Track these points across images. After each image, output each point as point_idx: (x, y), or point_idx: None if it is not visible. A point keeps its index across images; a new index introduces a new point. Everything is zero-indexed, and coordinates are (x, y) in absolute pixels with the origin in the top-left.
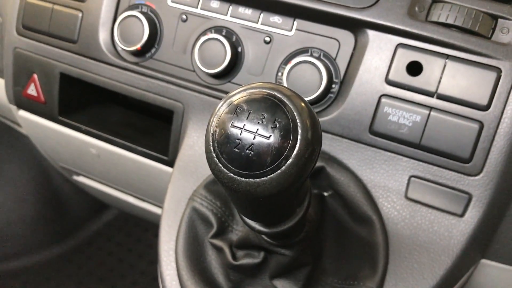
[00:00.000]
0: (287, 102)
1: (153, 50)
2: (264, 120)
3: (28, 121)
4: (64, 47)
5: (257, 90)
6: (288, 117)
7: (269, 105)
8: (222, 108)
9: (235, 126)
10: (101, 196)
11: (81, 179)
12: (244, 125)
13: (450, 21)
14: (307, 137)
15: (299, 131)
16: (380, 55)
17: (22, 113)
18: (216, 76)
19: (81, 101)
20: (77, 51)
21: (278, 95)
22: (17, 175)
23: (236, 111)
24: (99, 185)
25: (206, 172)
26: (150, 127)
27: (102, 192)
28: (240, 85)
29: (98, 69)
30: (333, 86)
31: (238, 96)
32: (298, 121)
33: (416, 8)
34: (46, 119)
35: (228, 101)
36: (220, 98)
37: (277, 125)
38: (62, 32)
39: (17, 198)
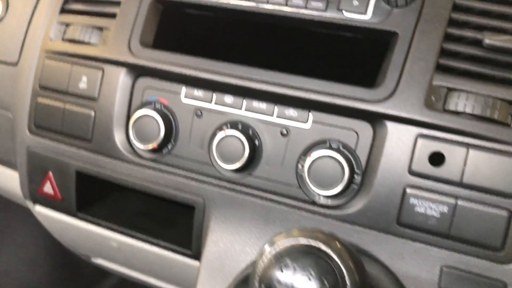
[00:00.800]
0: (334, 257)
1: (169, 146)
2: (311, 277)
3: (45, 215)
4: (78, 145)
5: (300, 240)
6: (336, 275)
7: (315, 261)
8: (265, 261)
9: (281, 284)
10: (119, 274)
11: (99, 261)
12: (292, 285)
13: (468, 110)
14: None
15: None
16: (400, 146)
17: (39, 208)
18: (236, 170)
19: (98, 194)
20: (92, 150)
21: (324, 248)
22: (29, 239)
23: (281, 266)
24: (118, 266)
25: (233, 270)
26: (170, 216)
27: (121, 272)
28: (261, 178)
29: (115, 167)
30: (355, 177)
31: (281, 245)
32: (347, 279)
33: (433, 98)
34: (64, 213)
35: (271, 254)
36: (241, 192)
37: (326, 283)
38: (75, 131)
39: (29, 262)
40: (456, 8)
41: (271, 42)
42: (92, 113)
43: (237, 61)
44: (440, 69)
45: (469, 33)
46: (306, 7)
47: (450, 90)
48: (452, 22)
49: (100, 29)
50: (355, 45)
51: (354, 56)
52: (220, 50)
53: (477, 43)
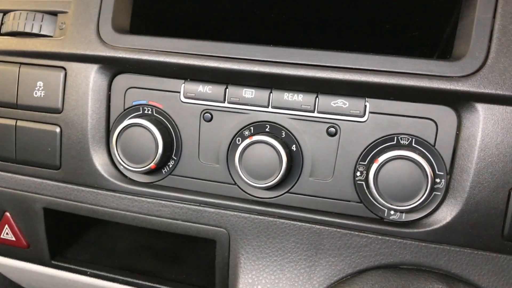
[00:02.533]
0: None
1: (171, 164)
2: None
3: (10, 268)
4: (43, 174)
5: None
6: None
7: None
8: None
9: None
10: None
11: None
12: None
13: None
14: None
15: None
16: (499, 134)
17: (1, 259)
18: (269, 188)
19: (77, 231)
20: (63, 179)
21: None
22: None
23: None
24: None
25: None
26: (173, 246)
27: None
28: (302, 195)
29: (97, 198)
30: (438, 180)
31: None
32: None
33: None
34: (34, 264)
35: None
36: (279, 216)
37: None
38: (36, 155)
39: None
40: None
41: (289, 8)
42: (57, 130)
43: (255, 40)
44: None
45: None
46: None
47: None
48: None
49: (54, 13)
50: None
51: (413, 20)
52: (227, 27)
53: None
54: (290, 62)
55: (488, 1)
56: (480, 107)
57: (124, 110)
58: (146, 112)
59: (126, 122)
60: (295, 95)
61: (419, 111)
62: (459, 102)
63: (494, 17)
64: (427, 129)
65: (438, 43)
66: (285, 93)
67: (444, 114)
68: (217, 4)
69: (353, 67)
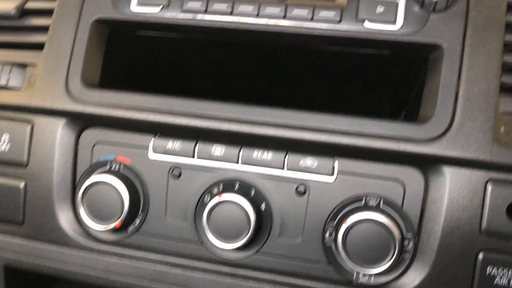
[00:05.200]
0: None
1: (137, 222)
2: None
3: None
4: (5, 230)
5: None
6: None
7: None
8: None
9: None
10: None
11: None
12: None
13: None
14: None
15: None
16: (466, 198)
17: None
18: (237, 248)
19: None
20: (26, 235)
21: None
22: None
23: None
24: None
25: None
26: None
27: None
28: (273, 255)
29: (61, 256)
30: (406, 243)
31: None
32: None
33: (502, 129)
34: None
35: None
36: (247, 278)
37: None
38: None
39: None
40: None
41: (265, 68)
42: (21, 184)
43: (226, 98)
44: (505, 89)
45: None
46: (312, 19)
47: None
48: (511, 27)
49: (23, 65)
50: (379, 64)
51: (379, 79)
52: (197, 84)
53: None
54: (259, 122)
55: (452, 66)
56: (447, 170)
57: (91, 165)
58: (113, 168)
59: (92, 179)
60: (265, 153)
61: (387, 172)
62: (426, 164)
63: (458, 81)
64: (395, 190)
65: (406, 101)
66: (255, 151)
67: (411, 176)
68: (188, 59)
69: (322, 128)
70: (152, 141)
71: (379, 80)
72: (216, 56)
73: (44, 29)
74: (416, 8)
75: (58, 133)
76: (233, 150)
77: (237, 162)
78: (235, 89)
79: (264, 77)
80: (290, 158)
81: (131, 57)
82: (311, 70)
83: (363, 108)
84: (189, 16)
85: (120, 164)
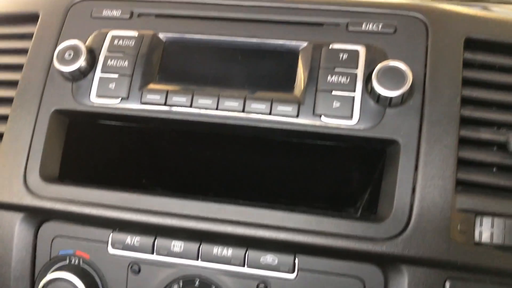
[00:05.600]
0: None
1: None
2: None
3: None
4: None
5: None
6: None
7: None
8: None
9: None
10: None
11: None
12: None
13: (508, 242)
14: None
15: None
16: None
17: None
18: None
19: None
20: None
21: None
22: None
23: None
24: None
25: None
26: None
27: None
28: None
29: None
30: None
31: None
32: None
33: (459, 227)
34: None
35: None
36: None
37: None
38: None
39: None
40: (466, 101)
41: (224, 160)
42: None
43: (184, 193)
44: (462, 187)
45: (488, 135)
46: (270, 113)
47: (478, 214)
48: (465, 121)
49: None
50: (338, 154)
51: (337, 171)
52: (156, 178)
53: (501, 146)
54: (218, 219)
55: (409, 162)
56: (405, 269)
57: (50, 259)
58: (72, 262)
59: (50, 275)
60: (225, 249)
61: (347, 269)
62: (384, 263)
63: (415, 177)
64: (355, 287)
65: (365, 189)
66: (215, 247)
67: (371, 274)
68: (148, 147)
69: (281, 226)
70: (111, 236)
71: (339, 169)
72: (177, 145)
73: (2, 118)
74: (372, 103)
75: (16, 227)
76: (192, 246)
77: (197, 259)
78: (198, 179)
79: (226, 166)
80: (250, 254)
81: (91, 145)
82: (272, 159)
83: (324, 196)
84: (148, 107)
85: (79, 258)
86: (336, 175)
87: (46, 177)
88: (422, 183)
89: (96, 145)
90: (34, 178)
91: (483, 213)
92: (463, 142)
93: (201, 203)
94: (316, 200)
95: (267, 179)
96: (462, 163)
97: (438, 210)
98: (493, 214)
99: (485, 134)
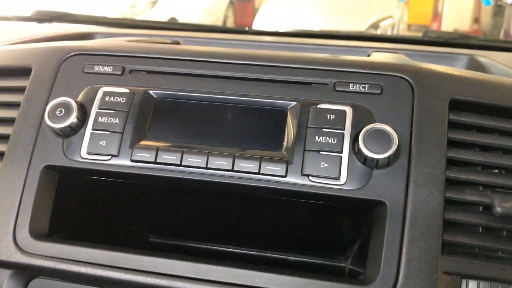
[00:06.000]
0: None
1: None
2: None
3: None
4: None
5: None
6: None
7: None
8: None
9: None
10: None
11: None
12: None
13: None
14: None
15: None
16: None
17: None
18: None
19: None
20: None
21: None
22: None
23: None
24: None
25: None
26: None
27: None
28: None
29: None
30: None
31: None
32: None
33: None
34: None
35: None
36: None
37: None
38: None
39: None
40: (452, 162)
41: (214, 211)
42: None
43: (171, 252)
44: (448, 249)
45: (473, 197)
46: (259, 172)
47: (464, 278)
48: (451, 182)
49: None
50: (326, 212)
51: (326, 225)
52: (147, 224)
53: (487, 208)
54: (207, 280)
55: (395, 224)
56: None
57: None
58: None
59: None
60: None
61: None
62: None
63: (402, 239)
64: None
65: (353, 245)
66: None
67: None
68: (140, 201)
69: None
70: None
71: (328, 224)
72: (167, 197)
73: None
74: (359, 163)
75: (4, 284)
76: None
77: None
78: (188, 226)
79: (216, 216)
80: None
81: (80, 199)
82: (261, 212)
83: (314, 244)
84: (138, 165)
85: None
86: (325, 229)
87: (36, 234)
88: (409, 245)
89: (85, 198)
90: (24, 234)
91: (469, 277)
92: (449, 203)
93: (190, 264)
94: (307, 247)
95: (257, 229)
96: (448, 225)
97: (424, 273)
98: (478, 278)
99: (470, 196)
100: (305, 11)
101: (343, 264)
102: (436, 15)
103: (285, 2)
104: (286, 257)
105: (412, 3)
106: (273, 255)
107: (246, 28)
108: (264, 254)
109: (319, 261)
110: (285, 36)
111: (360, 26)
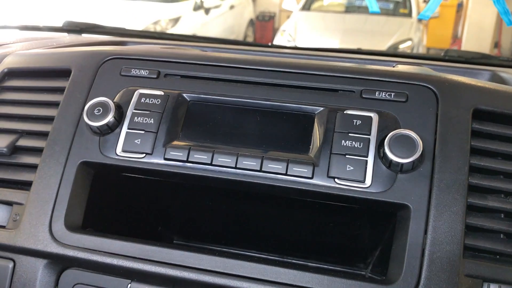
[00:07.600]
0: None
1: None
2: None
3: None
4: None
5: None
6: None
7: None
8: None
9: None
10: None
11: None
12: None
13: None
14: None
15: None
16: None
17: None
18: None
19: None
20: None
21: None
22: None
23: None
24: None
25: None
26: None
27: None
28: None
29: None
30: None
31: None
32: None
33: None
34: None
35: None
36: None
37: None
38: None
39: None
40: (474, 169)
41: (240, 212)
42: None
43: (199, 241)
44: (469, 253)
45: (495, 203)
46: (287, 173)
47: (486, 281)
48: (473, 189)
49: (9, 203)
50: (350, 214)
51: (349, 229)
52: (172, 227)
53: (508, 214)
54: (234, 274)
55: (419, 227)
56: None
57: None
58: None
59: None
60: None
61: None
62: None
63: (424, 242)
64: None
65: (374, 252)
66: None
67: None
68: (172, 199)
69: (295, 284)
70: (129, 287)
71: (351, 227)
72: (195, 197)
73: (32, 167)
74: (384, 167)
75: (39, 273)
76: None
77: None
78: (214, 229)
79: (241, 218)
80: None
81: (113, 196)
82: (286, 214)
83: (336, 249)
84: (171, 163)
85: None
86: (348, 233)
87: (70, 226)
88: (431, 248)
89: (118, 195)
90: (59, 226)
91: (490, 280)
92: (471, 209)
93: (218, 258)
94: (327, 254)
95: (281, 232)
96: (470, 230)
97: (446, 275)
98: (500, 281)
99: (492, 202)
100: (324, 33)
101: (363, 272)
102: (456, 39)
103: (305, 23)
104: (306, 263)
105: (432, 26)
106: (294, 261)
107: (269, 44)
108: (285, 259)
109: (338, 268)
110: (307, 50)
111: (379, 48)
